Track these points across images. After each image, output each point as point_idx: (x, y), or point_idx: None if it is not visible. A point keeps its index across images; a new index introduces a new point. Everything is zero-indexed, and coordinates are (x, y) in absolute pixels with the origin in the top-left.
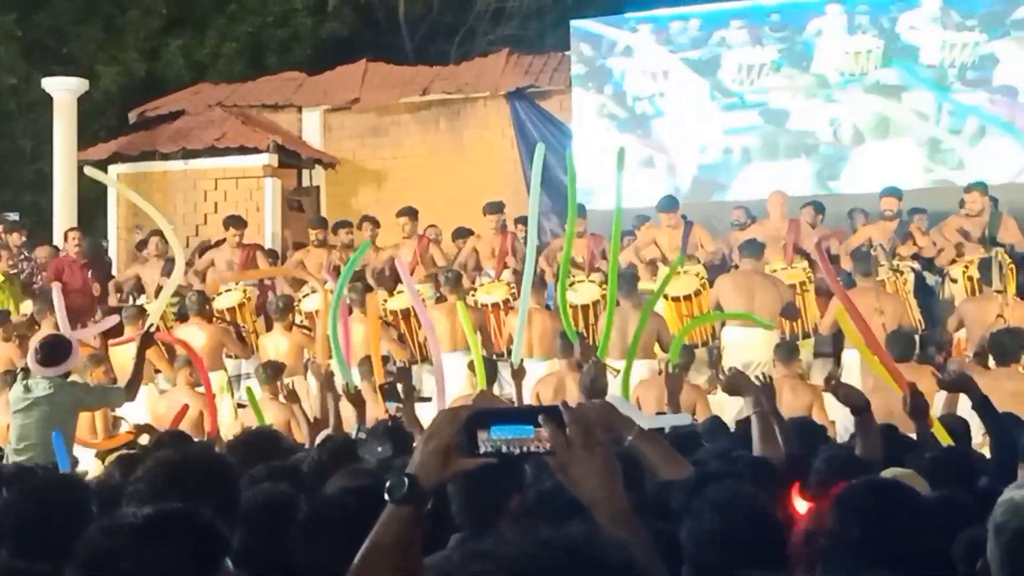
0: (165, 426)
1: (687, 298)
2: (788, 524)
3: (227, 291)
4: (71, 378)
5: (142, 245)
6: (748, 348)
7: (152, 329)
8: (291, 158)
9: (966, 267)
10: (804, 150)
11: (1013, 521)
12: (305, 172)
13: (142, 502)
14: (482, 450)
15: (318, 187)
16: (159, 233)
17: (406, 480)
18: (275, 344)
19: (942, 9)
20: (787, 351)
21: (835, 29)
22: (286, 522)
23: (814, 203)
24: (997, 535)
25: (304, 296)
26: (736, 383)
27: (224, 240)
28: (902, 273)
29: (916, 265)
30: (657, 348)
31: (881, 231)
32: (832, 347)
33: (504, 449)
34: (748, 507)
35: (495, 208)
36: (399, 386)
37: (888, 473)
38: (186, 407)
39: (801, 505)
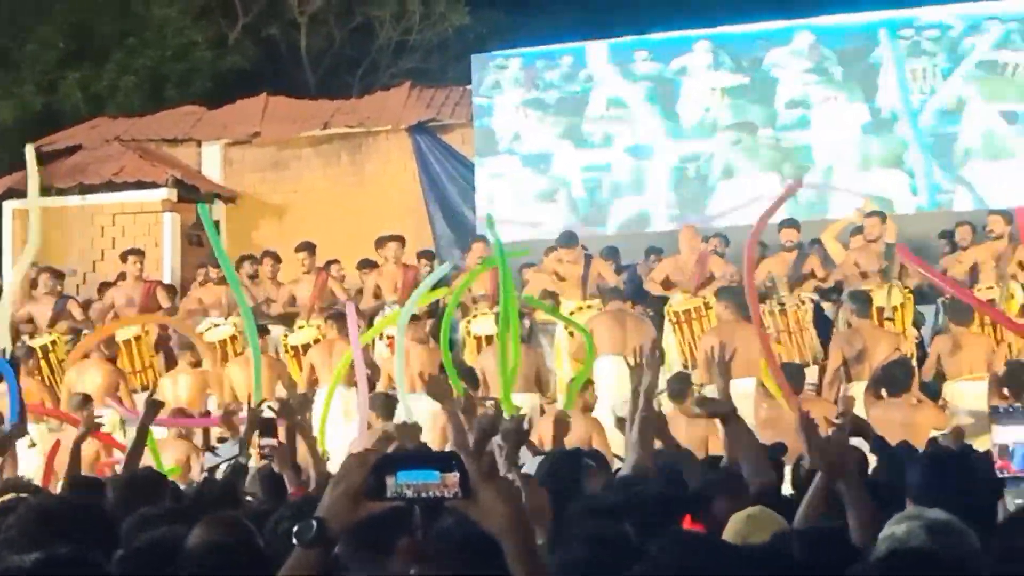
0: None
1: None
2: None
3: None
4: None
5: (34, 283)
6: (624, 380)
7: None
8: (190, 193)
9: None
10: (671, 184)
11: (895, 554)
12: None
13: (16, 549)
14: (389, 494)
15: (218, 222)
16: (49, 270)
17: (314, 523)
18: (174, 382)
19: (811, 47)
20: (677, 386)
21: (702, 66)
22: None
23: (722, 236)
24: (880, 567)
25: (208, 328)
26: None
27: (121, 276)
28: (803, 303)
29: (815, 296)
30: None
31: (781, 262)
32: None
33: (411, 494)
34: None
35: (397, 241)
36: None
37: (744, 513)
38: (57, 444)
39: None
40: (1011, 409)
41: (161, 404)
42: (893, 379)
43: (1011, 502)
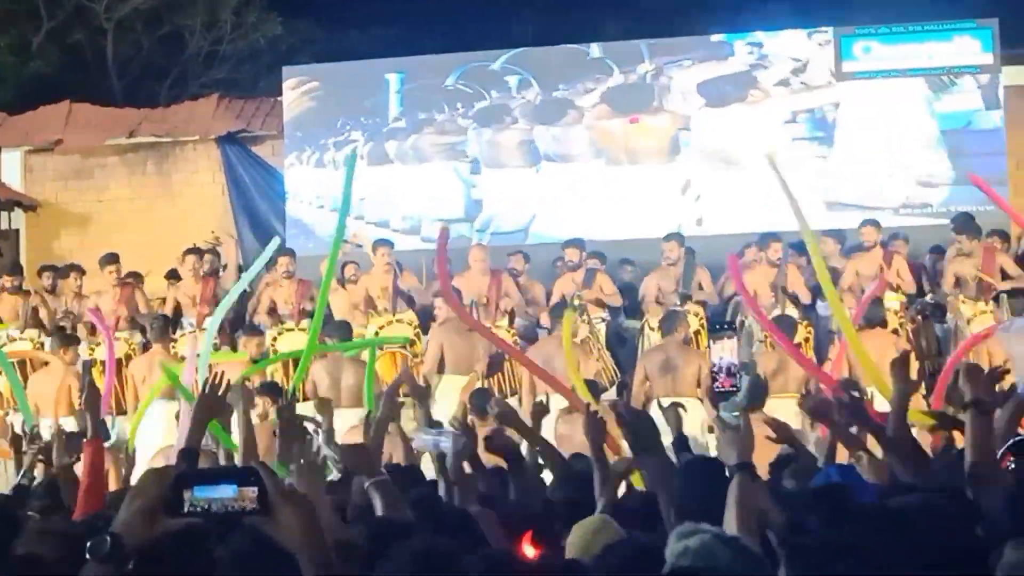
0: None
1: (402, 347)
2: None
3: None
4: None
5: None
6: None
7: None
8: None
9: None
10: (480, 201)
11: (699, 564)
12: (3, 215)
13: None
14: (187, 509)
15: (17, 230)
16: None
17: (108, 539)
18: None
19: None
20: (480, 401)
21: (508, 82)
22: None
23: (523, 252)
24: None
25: (3, 344)
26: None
27: None
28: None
29: (606, 315)
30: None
31: (568, 282)
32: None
33: (209, 508)
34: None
35: (194, 252)
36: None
37: (590, 522)
38: None
39: (530, 551)
40: (726, 326)
41: None
42: (756, 395)
43: (724, 414)
